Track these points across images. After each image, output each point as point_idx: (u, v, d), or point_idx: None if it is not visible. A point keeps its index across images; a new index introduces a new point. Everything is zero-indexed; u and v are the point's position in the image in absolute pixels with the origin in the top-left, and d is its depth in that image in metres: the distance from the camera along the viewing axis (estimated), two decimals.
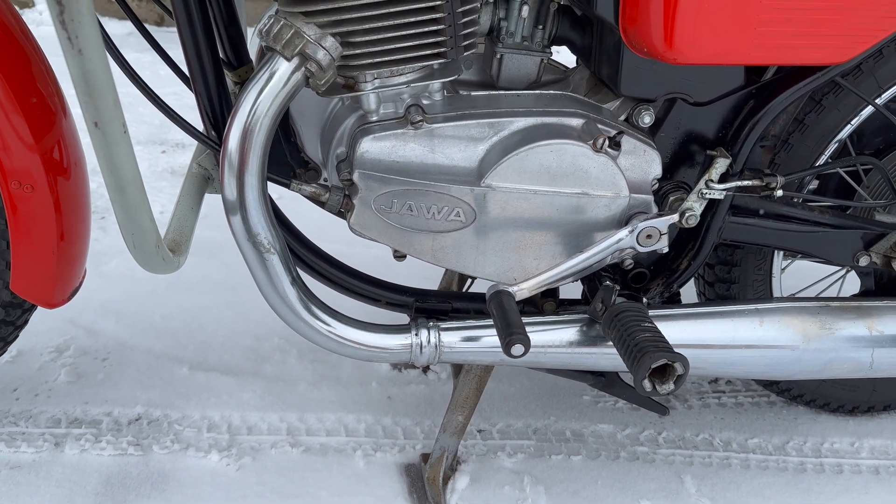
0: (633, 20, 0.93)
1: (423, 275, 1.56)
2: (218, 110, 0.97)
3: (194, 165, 1.19)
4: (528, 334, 1.02)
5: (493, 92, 1.05)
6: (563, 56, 1.21)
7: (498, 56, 1.05)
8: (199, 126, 1.01)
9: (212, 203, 1.27)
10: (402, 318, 1.10)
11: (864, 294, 1.23)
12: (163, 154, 2.35)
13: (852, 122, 1.13)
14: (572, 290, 1.16)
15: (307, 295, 0.98)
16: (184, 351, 1.52)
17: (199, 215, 1.17)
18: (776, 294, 1.26)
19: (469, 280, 1.39)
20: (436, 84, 0.98)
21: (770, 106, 1.01)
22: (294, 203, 1.25)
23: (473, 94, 1.03)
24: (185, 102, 1.43)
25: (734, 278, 1.25)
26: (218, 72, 0.97)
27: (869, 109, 1.12)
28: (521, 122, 0.99)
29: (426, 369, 1.49)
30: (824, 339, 1.07)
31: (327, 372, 1.47)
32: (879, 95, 1.12)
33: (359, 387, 1.44)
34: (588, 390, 1.46)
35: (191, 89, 0.97)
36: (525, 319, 1.04)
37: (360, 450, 1.30)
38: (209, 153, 1.20)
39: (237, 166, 0.89)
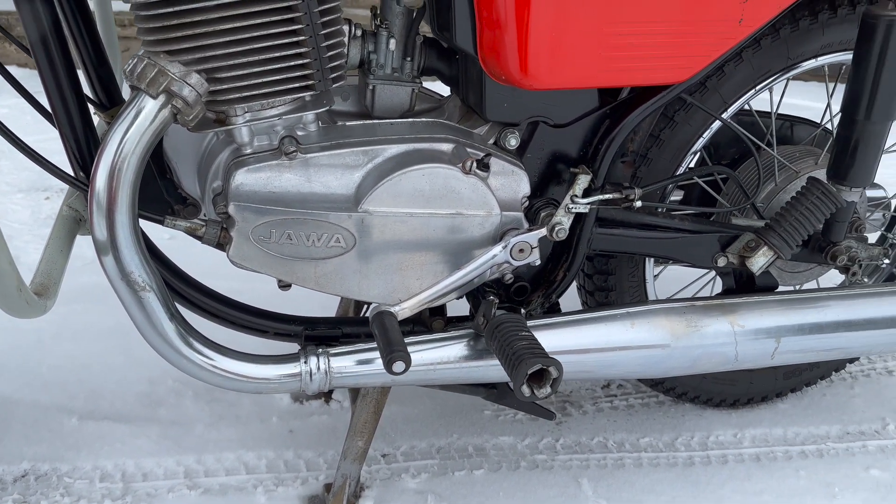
0: (490, 51, 1.00)
1: (323, 304, 1.57)
2: (85, 151, 0.96)
3: (65, 208, 1.17)
4: (418, 352, 1.06)
5: (368, 121, 1.09)
6: (440, 85, 1.27)
7: (370, 87, 1.09)
8: (69, 168, 1.00)
9: None
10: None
11: (726, 293, 1.33)
12: (46, 201, 2.26)
13: (704, 136, 1.24)
14: (462, 308, 1.20)
15: (187, 330, 0.97)
16: (73, 401, 1.46)
17: (69, 258, 1.15)
18: (651, 298, 1.35)
19: (365, 305, 1.42)
20: (309, 115, 1.00)
21: (623, 124, 1.09)
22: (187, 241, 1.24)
23: (348, 123, 1.07)
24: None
25: (611, 286, 1.32)
26: (84, 112, 0.96)
27: (718, 123, 1.22)
28: (394, 149, 1.03)
29: (328, 399, 1.50)
30: (692, 337, 1.15)
31: (225, 411, 1.45)
32: (725, 110, 1.23)
33: (259, 423, 1.43)
34: (489, 405, 1.50)
35: (56, 130, 0.96)
36: (414, 338, 1.08)
37: (260, 486, 1.29)
38: (80, 195, 1.18)
39: (106, 206, 0.89)
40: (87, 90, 1.05)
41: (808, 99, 1.82)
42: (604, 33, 0.98)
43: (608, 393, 1.58)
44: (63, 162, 0.99)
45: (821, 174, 1.25)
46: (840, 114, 1.16)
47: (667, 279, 1.46)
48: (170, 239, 1.52)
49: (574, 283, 1.42)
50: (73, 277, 1.79)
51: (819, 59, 1.23)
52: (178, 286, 1.06)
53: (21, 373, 1.52)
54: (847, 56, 1.22)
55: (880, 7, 1.08)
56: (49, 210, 2.21)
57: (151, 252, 1.00)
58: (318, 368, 1.02)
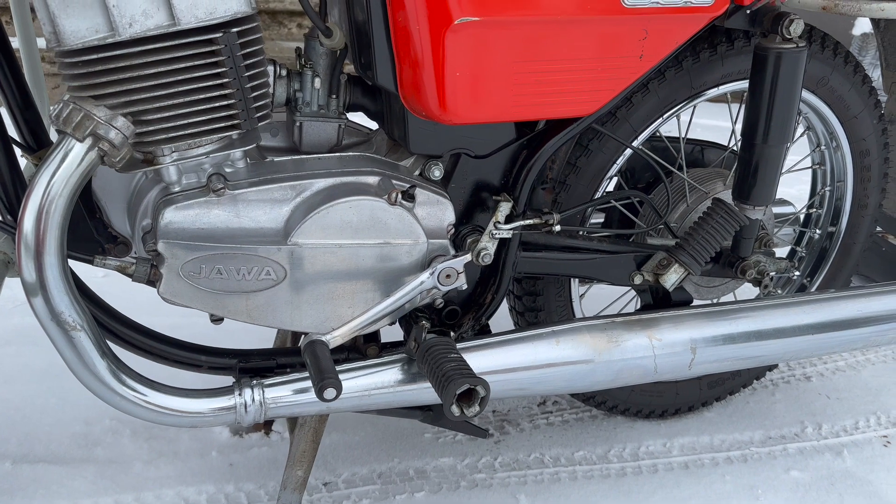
0: (409, 89, 1.05)
1: (265, 336, 1.58)
2: (12, 194, 0.98)
3: None
4: (352, 378, 1.09)
5: (296, 157, 1.12)
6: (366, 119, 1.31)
7: (297, 124, 1.13)
8: None
9: None
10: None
11: (644, 308, 1.40)
12: None
13: (617, 162, 1.31)
14: (397, 333, 1.23)
15: (119, 367, 0.98)
16: (6, 445, 1.43)
17: None
18: (578, 316, 1.41)
19: (302, 335, 1.44)
20: (237, 153, 1.04)
21: (539, 154, 1.16)
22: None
23: (276, 159, 1.11)
24: None
25: (539, 306, 1.38)
26: (9, 155, 0.97)
27: (630, 150, 1.30)
28: (321, 183, 1.07)
29: (268, 430, 1.50)
30: (613, 352, 1.22)
31: (164, 447, 1.44)
32: (636, 137, 1.31)
33: (198, 458, 1.43)
34: (429, 428, 1.54)
35: None
36: (347, 366, 1.11)
37: None
38: (7, 238, 1.18)
39: (34, 248, 0.90)
40: (12, 132, 1.06)
41: (718, 119, 1.93)
42: (515, 71, 1.04)
43: (544, 410, 1.63)
44: None
45: (728, 195, 1.34)
46: (741, 138, 1.25)
47: (597, 297, 1.52)
48: (104, 277, 1.52)
49: (506, 305, 1.48)
50: (4, 319, 1.76)
51: (721, 87, 1.33)
52: (109, 324, 1.07)
53: None
54: (745, 84, 1.32)
55: (769, 41, 1.18)
56: None
57: (81, 291, 1.01)
58: (253, 400, 1.04)
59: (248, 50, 0.96)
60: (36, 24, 1.43)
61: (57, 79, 2.82)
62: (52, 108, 0.98)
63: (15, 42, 1.23)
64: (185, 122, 0.95)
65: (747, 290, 1.51)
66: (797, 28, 1.15)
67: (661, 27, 1.07)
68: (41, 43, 1.46)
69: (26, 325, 1.64)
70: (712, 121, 1.80)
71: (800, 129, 1.50)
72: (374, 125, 1.29)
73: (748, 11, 1.16)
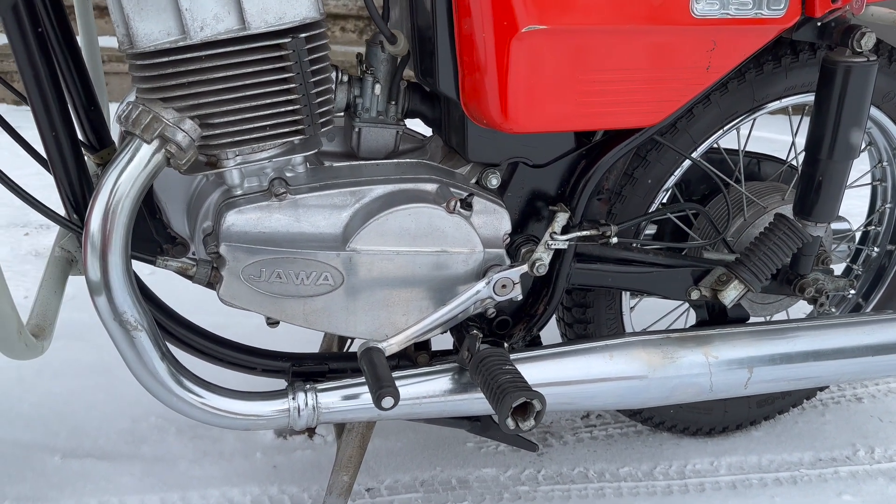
0: (471, 97, 1.04)
1: (306, 339, 1.59)
2: (79, 193, 0.98)
3: (57, 248, 1.18)
4: (404, 386, 1.09)
5: (355, 162, 1.12)
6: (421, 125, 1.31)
7: (356, 130, 1.13)
8: (61, 209, 1.02)
9: (79, 284, 1.25)
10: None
11: (700, 324, 1.38)
12: (26, 237, 2.25)
13: (675, 174, 1.29)
14: (446, 342, 1.23)
15: (178, 369, 0.99)
16: (55, 439, 1.45)
17: (62, 299, 1.16)
18: (628, 329, 1.39)
19: (349, 340, 1.44)
20: (298, 158, 1.04)
21: (598, 164, 1.14)
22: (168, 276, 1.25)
23: (335, 165, 1.11)
24: (47, 182, 1.41)
25: (589, 318, 1.36)
26: (77, 155, 0.98)
27: (689, 161, 1.28)
28: (380, 189, 1.07)
29: (311, 434, 1.50)
30: (668, 368, 1.19)
31: (209, 447, 1.45)
32: (695, 149, 1.29)
33: (243, 459, 1.43)
34: (471, 437, 1.52)
35: (50, 173, 0.98)
36: (399, 373, 1.10)
37: None
38: (72, 236, 1.19)
39: (100, 248, 0.91)
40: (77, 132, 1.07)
41: (775, 132, 1.89)
42: (578, 80, 1.03)
43: (588, 423, 1.61)
44: (46, 198, 1.01)
45: (787, 209, 1.31)
46: (804, 153, 1.22)
47: (643, 309, 1.50)
48: (150, 274, 1.53)
49: (554, 315, 1.46)
50: None
51: (783, 100, 1.30)
52: (167, 325, 1.07)
53: (2, 410, 1.51)
54: (809, 97, 1.29)
55: (838, 54, 1.15)
56: (28, 246, 2.20)
57: (142, 291, 1.02)
58: (306, 404, 1.04)
59: (315, 56, 0.96)
60: (98, 24, 1.45)
61: (110, 76, 2.87)
62: (118, 108, 0.99)
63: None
64: (251, 126, 0.95)
65: (799, 308, 1.47)
66: (869, 41, 1.12)
67: (730, 38, 1.05)
68: (102, 42, 1.48)
69: (75, 321, 1.66)
70: (768, 133, 1.75)
71: (861, 144, 1.47)
72: (428, 131, 1.28)
73: (818, 24, 1.13)
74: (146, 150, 0.91)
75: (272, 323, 1.08)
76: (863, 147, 1.46)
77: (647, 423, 1.54)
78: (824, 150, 1.19)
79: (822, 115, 1.18)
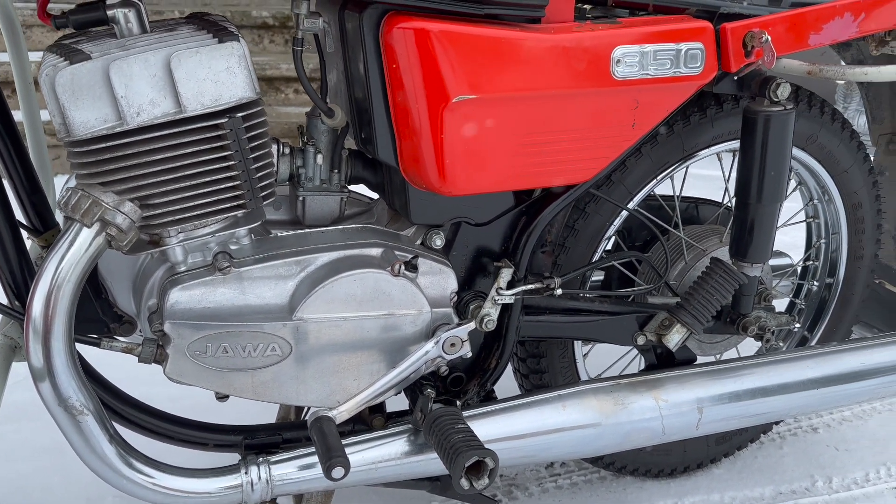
0: (410, 163, 1.07)
1: (265, 406, 1.57)
2: (20, 280, 0.98)
3: (0, 336, 1.17)
4: (359, 452, 1.09)
5: (300, 231, 1.14)
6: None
7: (301, 199, 1.15)
8: (3, 297, 1.01)
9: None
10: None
11: (650, 368, 1.40)
12: None
13: (615, 223, 1.33)
14: (404, 402, 1.23)
15: (126, 450, 0.98)
16: None
17: (6, 385, 1.14)
18: (583, 376, 1.41)
19: (306, 407, 1.43)
20: (241, 231, 1.05)
21: (538, 220, 1.18)
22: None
23: (281, 234, 1.12)
24: None
25: (543, 368, 1.38)
26: (17, 241, 0.99)
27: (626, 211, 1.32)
28: (325, 257, 1.08)
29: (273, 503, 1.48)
30: (620, 414, 1.21)
31: None
32: (632, 199, 1.33)
33: None
34: (436, 497, 1.51)
35: None
36: (353, 439, 1.11)
37: None
38: (13, 323, 1.18)
39: (42, 334, 0.91)
40: (18, 215, 1.08)
41: (714, 168, 1.95)
42: (511, 144, 1.07)
43: (552, 473, 1.61)
44: None
45: (725, 251, 1.36)
46: (734, 198, 1.28)
47: (600, 353, 1.52)
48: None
49: (510, 366, 1.48)
50: (4, 396, 1.75)
51: (711, 148, 1.36)
52: (114, 405, 1.06)
53: None
54: (736, 144, 1.35)
55: (757, 104, 1.21)
56: None
57: (87, 372, 1.01)
58: (259, 478, 1.03)
59: (253, 133, 0.98)
60: (40, 97, 1.46)
61: (59, 149, 2.87)
62: (59, 194, 1.00)
63: (17, 115, 1.24)
64: (192, 204, 0.96)
65: (749, 344, 1.51)
66: (784, 91, 1.18)
67: (652, 97, 1.11)
68: (45, 115, 1.49)
69: (26, 401, 1.61)
70: (709, 171, 1.81)
71: (792, 184, 1.54)
72: (375, 194, 1.31)
73: (735, 77, 1.19)
74: (87, 234, 0.92)
75: (221, 397, 1.08)
76: (793, 187, 1.53)
77: (609, 468, 1.55)
78: (753, 194, 1.24)
79: (747, 162, 1.24)
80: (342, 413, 1.05)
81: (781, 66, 1.20)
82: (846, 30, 1.22)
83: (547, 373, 1.39)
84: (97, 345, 1.03)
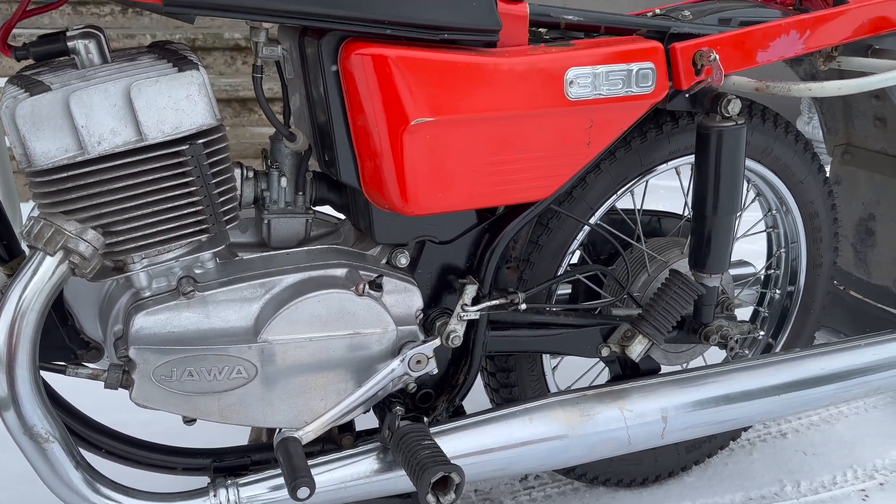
0: (372, 185, 1.10)
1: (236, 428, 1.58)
2: None
3: None
4: (327, 472, 1.10)
5: (266, 253, 1.15)
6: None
7: (266, 221, 1.17)
8: None
9: None
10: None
11: (614, 379, 1.43)
12: None
13: (578, 238, 1.36)
14: (374, 420, 1.24)
15: (94, 476, 0.98)
16: None
17: None
18: (552, 389, 1.43)
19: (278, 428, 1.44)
20: (206, 255, 1.07)
21: (500, 237, 1.20)
22: None
23: (246, 257, 1.14)
24: None
25: (513, 382, 1.40)
26: None
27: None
28: (290, 279, 1.10)
29: None
30: (586, 425, 1.23)
31: None
32: (593, 213, 1.36)
33: None
34: None
35: None
36: (322, 458, 1.12)
37: None
38: None
39: (6, 362, 0.92)
40: None
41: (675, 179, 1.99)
42: (471, 164, 1.10)
43: (526, 485, 1.62)
44: None
45: (686, 263, 1.39)
46: (692, 211, 1.31)
47: (571, 366, 1.54)
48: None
49: (481, 382, 1.50)
50: None
51: (670, 162, 1.39)
52: (80, 431, 1.07)
53: None
54: (693, 158, 1.39)
55: (710, 119, 1.25)
56: None
57: (52, 399, 1.02)
58: (228, 500, 1.04)
59: (215, 158, 1.00)
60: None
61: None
62: (23, 223, 1.01)
63: None
64: (154, 230, 0.98)
65: (718, 352, 1.54)
66: (735, 107, 1.22)
67: (605, 116, 1.14)
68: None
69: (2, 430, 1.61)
70: (675, 182, 1.86)
71: (751, 196, 1.58)
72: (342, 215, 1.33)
73: (687, 95, 1.23)
74: (50, 263, 0.93)
75: (188, 421, 1.09)
76: (752, 198, 1.58)
77: (582, 479, 1.57)
78: (709, 207, 1.28)
79: (702, 176, 1.27)
80: (308, 433, 1.06)
81: (731, 84, 1.24)
82: (792, 47, 1.26)
83: (516, 386, 1.41)
84: (63, 372, 1.04)
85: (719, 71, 1.15)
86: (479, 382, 1.32)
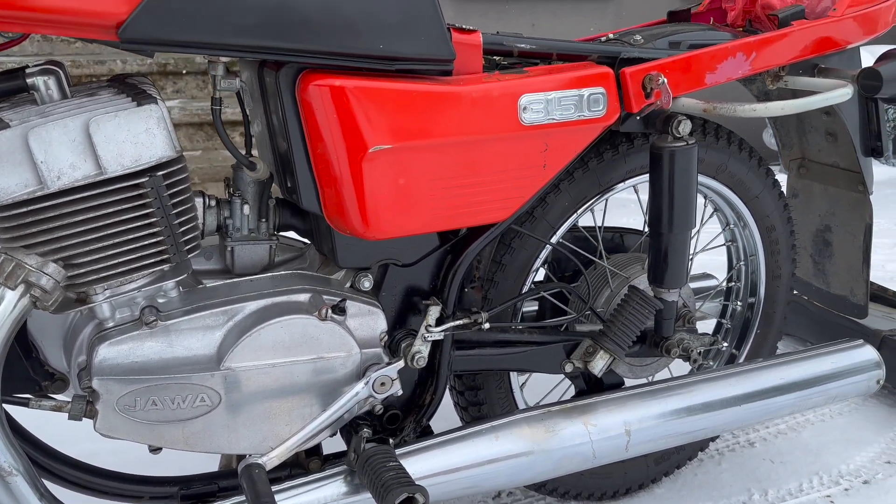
0: (333, 211, 1.12)
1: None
2: None
3: None
4: (293, 497, 1.11)
5: (230, 280, 1.17)
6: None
7: (229, 248, 1.18)
8: None
9: None
10: None
11: (579, 394, 1.45)
12: None
13: (540, 256, 1.39)
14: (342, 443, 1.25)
15: None
16: None
17: None
18: (520, 406, 1.45)
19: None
20: (169, 283, 1.08)
21: (462, 259, 1.23)
22: None
23: (210, 285, 1.15)
24: None
25: (481, 400, 1.42)
26: None
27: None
28: (253, 305, 1.11)
29: None
30: (551, 441, 1.26)
31: None
32: (555, 232, 1.39)
33: None
34: None
35: None
36: (289, 483, 1.13)
37: None
38: None
39: None
40: None
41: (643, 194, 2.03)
42: (430, 188, 1.12)
43: (499, 502, 1.64)
44: None
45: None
46: (648, 228, 1.35)
47: (540, 383, 1.57)
48: None
49: (451, 400, 1.52)
50: None
51: (627, 181, 1.43)
52: (45, 463, 1.07)
53: None
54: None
55: (662, 140, 1.29)
56: None
57: (16, 431, 1.02)
58: None
59: (175, 190, 1.02)
60: None
61: None
62: None
63: None
64: (116, 262, 0.99)
65: (683, 365, 1.58)
66: (685, 128, 1.27)
67: (559, 139, 1.17)
68: None
69: None
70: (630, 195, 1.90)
71: (709, 211, 1.62)
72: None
73: (638, 117, 1.27)
74: (11, 297, 0.94)
75: (154, 450, 1.09)
76: (710, 213, 1.62)
77: (553, 494, 1.58)
78: (664, 224, 1.31)
79: (656, 194, 1.31)
80: (273, 459, 1.07)
81: (681, 105, 1.28)
82: (739, 68, 1.31)
83: (485, 404, 1.43)
84: (26, 405, 1.04)
85: (667, 94, 1.19)
86: (447, 402, 1.33)
